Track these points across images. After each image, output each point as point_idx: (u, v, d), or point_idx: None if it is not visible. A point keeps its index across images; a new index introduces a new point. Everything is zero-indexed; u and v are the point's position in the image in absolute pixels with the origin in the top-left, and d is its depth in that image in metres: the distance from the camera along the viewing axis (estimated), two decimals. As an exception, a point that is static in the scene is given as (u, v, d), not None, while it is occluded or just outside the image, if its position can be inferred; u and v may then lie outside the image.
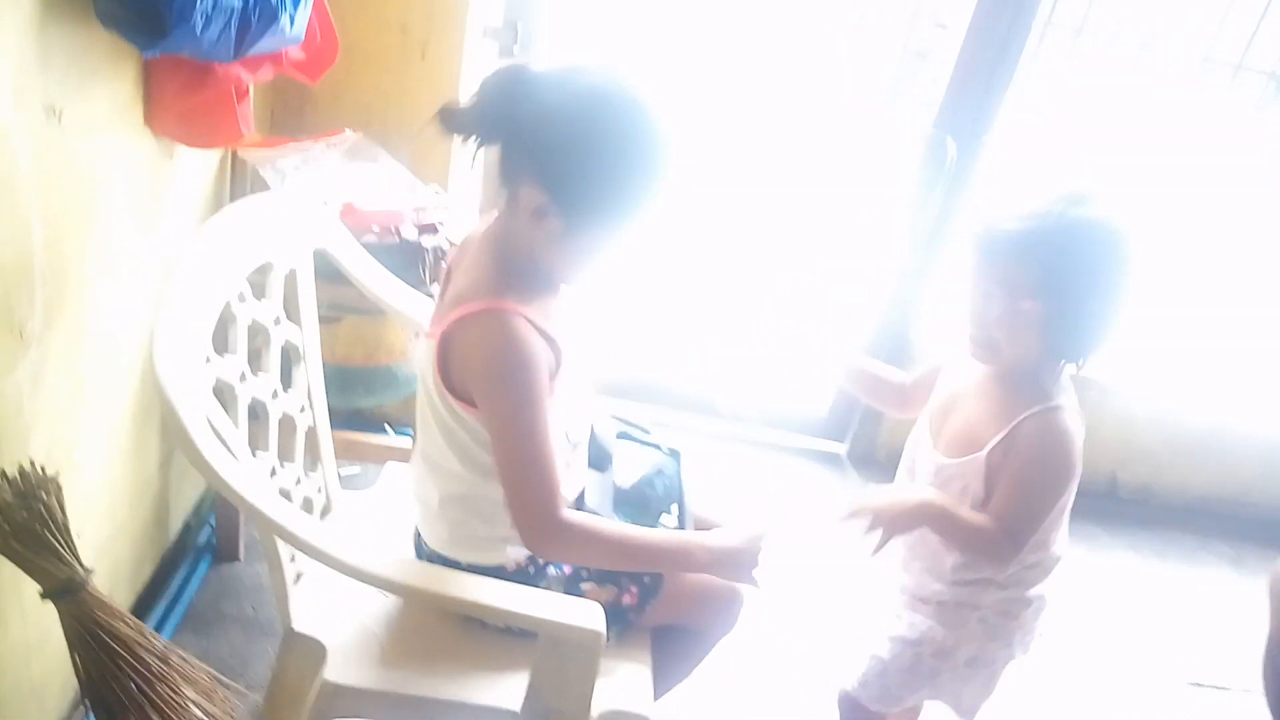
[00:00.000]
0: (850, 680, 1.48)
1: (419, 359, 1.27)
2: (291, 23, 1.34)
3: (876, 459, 2.69)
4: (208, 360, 1.15)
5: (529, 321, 1.16)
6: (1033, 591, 1.39)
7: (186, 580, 1.84)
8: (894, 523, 1.28)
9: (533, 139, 1.11)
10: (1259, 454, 2.77)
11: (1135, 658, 2.23)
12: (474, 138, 1.14)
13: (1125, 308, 1.26)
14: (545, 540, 1.20)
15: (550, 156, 1.10)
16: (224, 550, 1.92)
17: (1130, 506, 2.79)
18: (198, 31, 1.19)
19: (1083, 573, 2.48)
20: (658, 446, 1.54)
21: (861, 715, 1.50)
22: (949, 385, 1.42)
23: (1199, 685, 2.16)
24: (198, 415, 1.05)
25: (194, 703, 1.25)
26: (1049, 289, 1.22)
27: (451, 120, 1.14)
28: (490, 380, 1.16)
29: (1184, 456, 2.78)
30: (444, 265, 1.72)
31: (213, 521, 1.94)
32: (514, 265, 1.19)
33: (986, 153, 2.34)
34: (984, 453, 1.30)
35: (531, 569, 1.32)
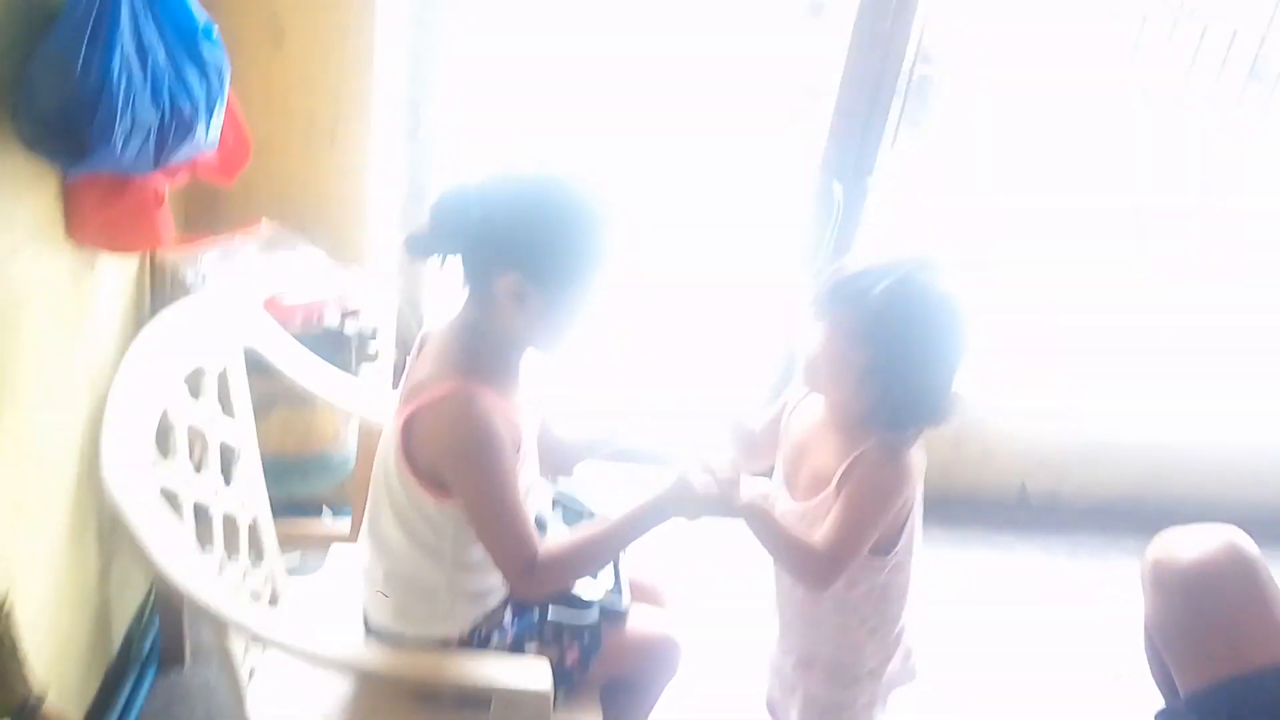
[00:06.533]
0: None
1: (381, 441, 1.32)
2: (207, 131, 1.38)
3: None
4: (153, 465, 1.18)
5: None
6: (900, 625, 1.44)
7: (135, 690, 1.81)
8: (726, 500, 1.29)
9: (493, 237, 1.21)
10: (1148, 455, 2.95)
11: (1058, 655, 2.32)
12: (439, 255, 1.24)
13: (949, 377, 1.30)
14: (534, 585, 1.28)
15: (515, 242, 1.21)
16: (169, 656, 1.89)
17: (1040, 514, 2.93)
18: (118, 151, 1.22)
19: (999, 578, 2.59)
20: (592, 515, 1.57)
21: None
22: (796, 431, 1.45)
23: (1119, 676, 2.26)
24: (147, 522, 1.08)
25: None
26: (871, 339, 1.27)
27: (416, 246, 1.24)
28: (460, 459, 1.23)
29: (1084, 462, 2.94)
30: (368, 350, 1.77)
31: (156, 628, 1.91)
32: (480, 353, 1.27)
33: (871, 194, 2.48)
34: (832, 487, 1.34)
35: (474, 640, 1.36)
